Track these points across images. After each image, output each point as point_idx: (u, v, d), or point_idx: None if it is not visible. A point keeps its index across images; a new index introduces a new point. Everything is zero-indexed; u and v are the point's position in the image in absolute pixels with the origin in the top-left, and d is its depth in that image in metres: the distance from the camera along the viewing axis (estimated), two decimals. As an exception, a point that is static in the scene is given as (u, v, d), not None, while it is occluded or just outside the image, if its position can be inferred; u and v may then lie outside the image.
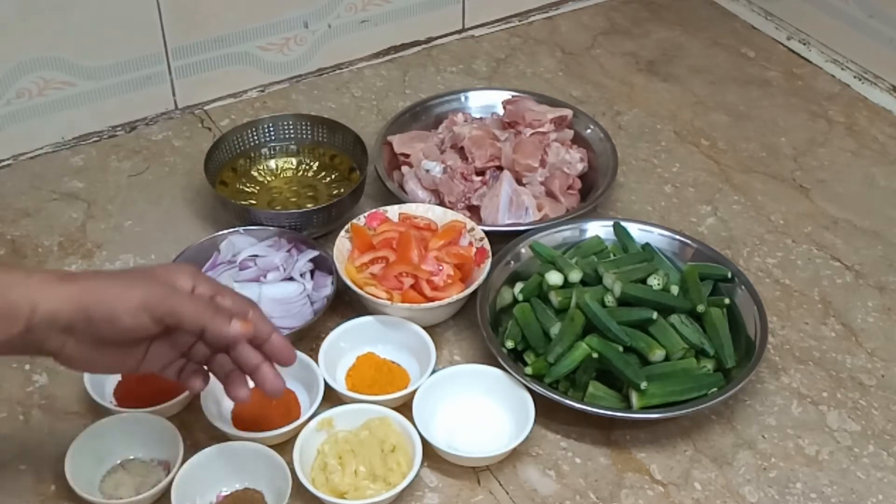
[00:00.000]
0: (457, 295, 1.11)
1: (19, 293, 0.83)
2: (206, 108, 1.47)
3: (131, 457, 1.01)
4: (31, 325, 0.83)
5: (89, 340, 0.86)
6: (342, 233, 1.18)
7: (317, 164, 1.34)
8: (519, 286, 1.13)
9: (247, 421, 1.03)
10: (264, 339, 0.91)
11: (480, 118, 1.38)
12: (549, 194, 1.28)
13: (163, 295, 0.86)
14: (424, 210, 1.21)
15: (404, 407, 1.04)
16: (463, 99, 1.41)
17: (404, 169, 1.31)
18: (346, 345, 1.11)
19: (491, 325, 1.10)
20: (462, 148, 1.30)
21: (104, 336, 0.86)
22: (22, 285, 0.84)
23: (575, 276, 1.11)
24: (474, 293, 1.12)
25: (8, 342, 0.84)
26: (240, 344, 0.90)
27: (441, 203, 1.25)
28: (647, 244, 1.18)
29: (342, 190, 1.29)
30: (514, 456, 1.03)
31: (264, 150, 1.34)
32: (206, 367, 0.94)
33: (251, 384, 0.92)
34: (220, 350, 0.92)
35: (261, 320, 0.91)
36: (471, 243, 1.18)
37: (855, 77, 1.53)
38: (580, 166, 1.31)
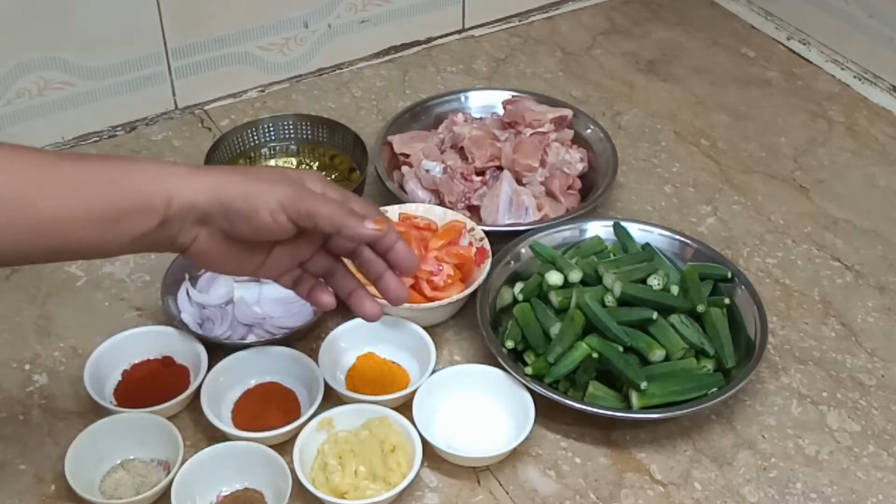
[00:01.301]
0: (457, 295, 1.11)
1: (155, 186, 0.82)
2: (206, 108, 1.47)
3: (131, 457, 1.01)
4: (168, 217, 0.82)
5: (220, 236, 0.86)
6: (342, 233, 1.18)
7: (317, 164, 1.34)
8: (519, 286, 1.13)
9: (247, 421, 1.04)
10: (390, 245, 0.90)
11: (480, 118, 1.38)
12: (549, 194, 1.28)
13: (302, 195, 0.85)
14: (424, 210, 1.21)
15: (404, 407, 1.04)
16: (463, 99, 1.41)
17: (404, 169, 1.31)
18: (346, 345, 1.11)
19: (491, 325, 1.10)
20: (462, 148, 1.30)
21: (237, 232, 0.85)
22: (156, 178, 0.82)
23: (575, 276, 1.11)
24: (474, 293, 1.12)
25: (144, 236, 0.82)
26: (366, 251, 0.91)
27: (441, 203, 1.25)
28: (647, 244, 1.18)
29: (342, 190, 1.29)
30: (514, 456, 1.03)
31: (264, 150, 1.34)
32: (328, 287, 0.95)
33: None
34: (345, 255, 0.93)
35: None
36: (471, 243, 1.18)
37: (855, 77, 1.53)
38: (580, 166, 1.31)
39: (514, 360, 1.07)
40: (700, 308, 1.09)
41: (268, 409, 1.05)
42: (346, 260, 0.96)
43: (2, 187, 0.78)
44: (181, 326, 1.10)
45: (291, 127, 1.34)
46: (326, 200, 0.87)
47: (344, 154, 1.33)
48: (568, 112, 1.35)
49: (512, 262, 1.17)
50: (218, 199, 0.83)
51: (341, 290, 0.95)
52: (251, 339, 1.11)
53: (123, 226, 0.81)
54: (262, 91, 1.50)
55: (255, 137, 1.33)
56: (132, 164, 0.86)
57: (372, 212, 0.91)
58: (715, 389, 1.04)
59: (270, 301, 1.13)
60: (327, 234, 0.89)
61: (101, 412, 1.03)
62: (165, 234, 0.84)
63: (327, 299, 0.95)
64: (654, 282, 1.11)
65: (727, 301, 1.11)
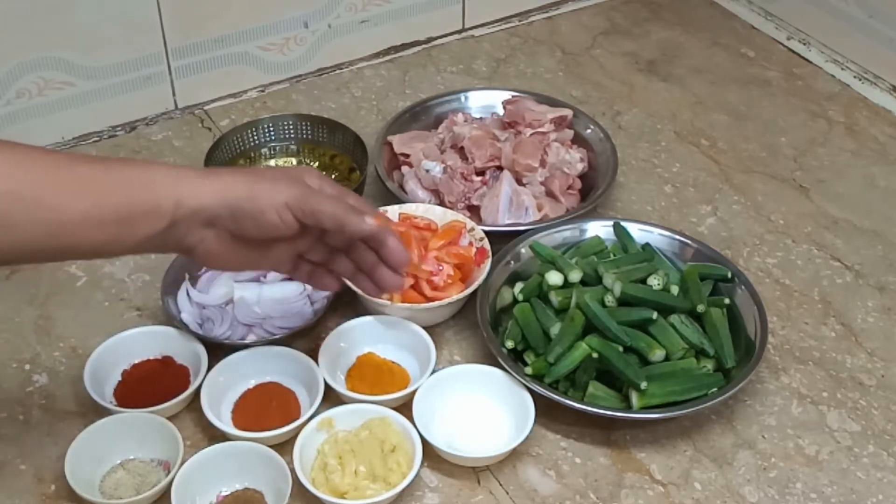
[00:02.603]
0: (457, 295, 1.11)
1: (164, 189, 0.85)
2: (206, 108, 1.47)
3: (131, 457, 1.01)
4: (176, 220, 0.85)
5: (227, 236, 0.89)
6: (342, 233, 1.18)
7: (317, 164, 1.34)
8: (519, 286, 1.13)
9: (247, 421, 1.04)
10: (384, 240, 0.94)
11: (480, 118, 1.38)
12: (549, 194, 1.28)
13: (305, 194, 0.89)
14: (424, 210, 1.21)
15: (404, 407, 1.04)
16: (463, 99, 1.41)
17: (404, 169, 1.31)
18: (346, 345, 1.11)
19: (491, 325, 1.10)
20: (462, 148, 1.30)
21: (244, 232, 0.88)
22: (166, 180, 0.85)
23: (575, 276, 1.11)
24: (474, 293, 1.12)
25: (153, 238, 0.85)
26: (359, 243, 0.94)
27: (441, 203, 1.25)
28: (647, 244, 1.18)
29: (342, 190, 1.29)
30: (514, 456, 1.03)
31: (264, 150, 1.34)
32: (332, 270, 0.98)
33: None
34: (340, 248, 0.96)
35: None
36: (471, 243, 1.18)
37: (855, 77, 1.53)
38: (580, 166, 1.31)
39: (514, 360, 1.07)
40: (700, 308, 1.09)
41: (268, 409, 1.05)
42: None
43: (20, 186, 0.81)
44: (181, 326, 1.10)
45: (291, 127, 1.34)
46: (329, 198, 0.90)
47: (344, 154, 1.33)
48: (568, 112, 1.35)
49: (512, 262, 1.17)
50: (225, 201, 0.86)
51: (343, 272, 0.98)
52: (251, 339, 1.11)
53: (134, 228, 0.84)
54: (262, 91, 1.50)
55: (255, 137, 1.33)
56: (143, 168, 0.88)
57: (368, 207, 0.94)
58: (715, 389, 1.04)
59: (270, 301, 1.13)
60: (329, 229, 0.91)
61: (101, 412, 1.03)
62: (173, 236, 0.86)
63: (331, 282, 0.98)
64: (654, 282, 1.10)
65: (727, 301, 1.11)
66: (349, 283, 1.01)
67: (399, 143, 1.32)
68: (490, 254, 1.15)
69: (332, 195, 0.91)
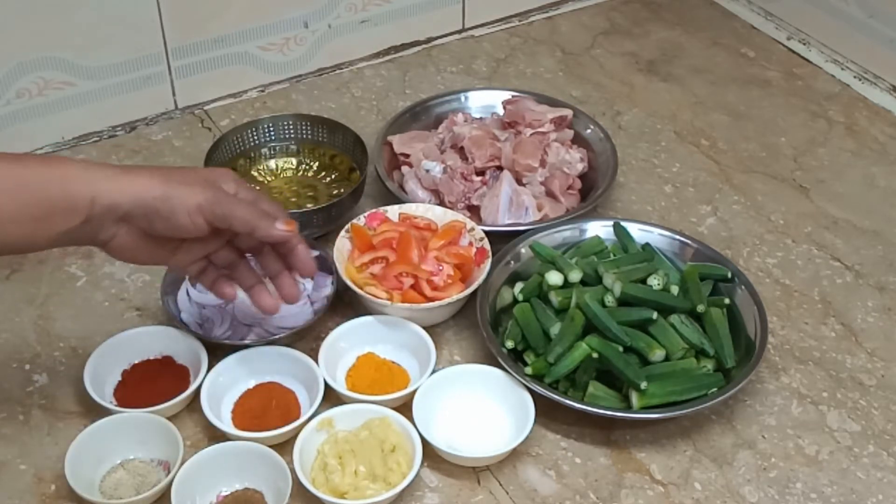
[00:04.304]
0: (457, 295, 1.11)
1: (79, 186, 0.88)
2: (206, 108, 1.47)
3: (131, 457, 1.01)
4: (91, 217, 0.88)
5: (139, 233, 0.92)
6: (342, 233, 1.18)
7: (317, 164, 1.34)
8: (519, 286, 1.13)
9: (247, 421, 1.04)
10: (293, 247, 0.98)
11: (480, 118, 1.38)
12: (549, 194, 1.28)
13: (218, 199, 0.92)
14: (424, 210, 1.21)
15: (404, 407, 1.04)
16: (463, 99, 1.41)
17: (404, 169, 1.31)
18: (346, 345, 1.11)
19: (491, 325, 1.10)
20: (462, 148, 1.30)
21: (155, 230, 0.92)
22: (81, 178, 0.88)
23: (575, 276, 1.11)
24: (474, 293, 1.12)
25: (69, 232, 0.89)
26: (268, 249, 0.99)
27: (441, 203, 1.25)
28: (647, 244, 1.18)
29: (342, 190, 1.29)
30: (514, 456, 1.03)
31: (264, 150, 1.34)
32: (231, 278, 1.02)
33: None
34: (249, 251, 1.00)
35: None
36: (471, 243, 1.18)
37: (855, 77, 1.53)
38: (580, 166, 1.31)
39: (514, 360, 1.07)
40: (700, 308, 1.09)
41: (268, 409, 1.05)
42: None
43: None
44: (181, 326, 1.10)
45: (291, 127, 1.34)
46: (241, 203, 0.94)
47: (344, 154, 1.33)
48: (568, 112, 1.35)
49: (512, 262, 1.17)
50: (139, 200, 0.89)
51: (243, 282, 1.02)
52: (251, 339, 1.11)
53: (50, 224, 0.88)
54: (262, 91, 1.50)
55: (255, 137, 1.33)
56: (60, 165, 0.91)
57: (281, 213, 0.97)
58: (715, 389, 1.04)
59: (270, 301, 1.13)
60: (239, 232, 0.95)
61: (101, 412, 1.03)
62: (88, 231, 0.90)
63: (230, 290, 1.02)
64: (654, 282, 1.10)
65: (727, 301, 1.11)
66: (246, 296, 1.03)
67: (399, 143, 1.32)
68: (490, 254, 1.15)
69: (246, 200, 0.95)
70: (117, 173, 0.90)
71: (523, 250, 1.17)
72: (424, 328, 1.11)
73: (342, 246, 1.16)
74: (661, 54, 1.60)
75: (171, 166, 0.94)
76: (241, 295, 1.13)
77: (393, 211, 1.21)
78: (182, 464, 0.97)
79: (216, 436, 1.02)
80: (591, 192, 1.28)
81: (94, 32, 1.33)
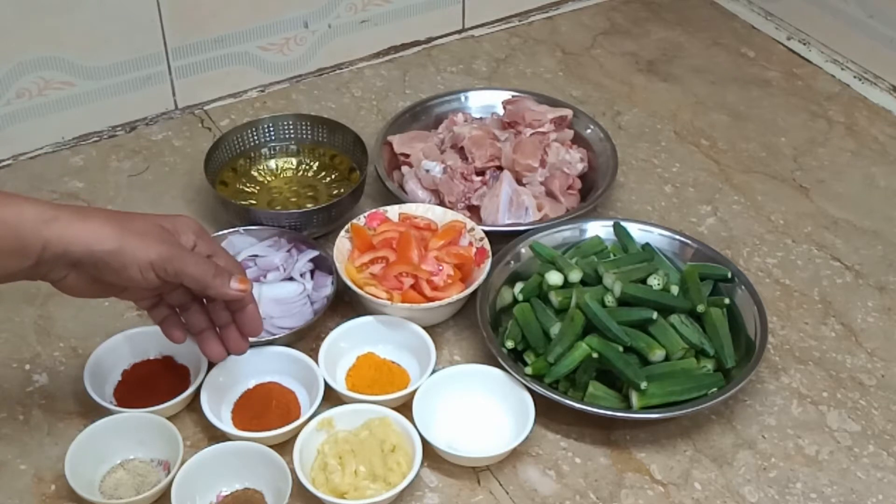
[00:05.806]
0: (457, 295, 1.11)
1: (32, 230, 0.87)
2: (206, 108, 1.47)
3: (131, 457, 1.01)
4: (42, 260, 0.88)
5: (89, 278, 0.92)
6: (342, 233, 1.18)
7: (317, 164, 1.34)
8: (519, 286, 1.13)
9: (247, 421, 1.04)
10: (243, 306, 0.98)
11: (480, 118, 1.38)
12: (549, 194, 1.28)
13: (171, 255, 0.91)
14: (424, 210, 1.21)
15: (404, 407, 1.04)
16: (463, 99, 1.41)
17: (404, 169, 1.31)
18: (346, 345, 1.11)
19: (491, 325, 1.10)
20: (462, 148, 1.30)
21: (104, 279, 0.91)
22: (35, 222, 0.88)
23: (575, 276, 1.11)
24: (474, 293, 1.12)
25: (19, 273, 0.89)
26: (218, 302, 0.98)
27: (441, 203, 1.25)
28: (647, 244, 1.18)
29: (342, 190, 1.29)
30: (514, 456, 1.03)
31: (264, 150, 1.34)
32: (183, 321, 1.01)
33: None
34: (201, 297, 0.98)
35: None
36: (471, 243, 1.18)
37: (855, 77, 1.54)
38: (580, 166, 1.31)
39: (514, 360, 1.07)
40: (700, 308, 1.09)
41: (268, 409, 1.05)
42: None
43: None
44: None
45: (291, 127, 1.34)
46: (196, 259, 0.93)
47: (344, 154, 1.33)
48: (568, 112, 1.35)
49: (512, 262, 1.17)
50: (89, 251, 0.89)
51: (193, 325, 1.01)
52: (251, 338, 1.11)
53: (1, 264, 0.88)
54: (262, 91, 1.50)
55: (255, 137, 1.33)
56: (14, 208, 0.89)
57: (237, 269, 0.97)
58: (715, 389, 1.04)
59: (270, 301, 1.13)
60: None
61: (101, 412, 1.03)
62: (38, 272, 0.90)
63: (178, 335, 1.01)
64: (654, 282, 1.10)
65: (727, 301, 1.11)
66: (194, 341, 1.02)
67: (399, 143, 1.32)
68: (490, 254, 1.15)
69: (203, 254, 0.95)
70: (72, 219, 0.89)
71: (523, 250, 1.17)
72: (424, 328, 1.11)
73: (342, 246, 1.17)
74: (661, 54, 1.60)
75: (128, 212, 0.93)
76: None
77: (393, 211, 1.21)
78: (182, 464, 0.97)
79: (216, 436, 1.02)
80: (591, 192, 1.28)
81: (94, 32, 1.33)
